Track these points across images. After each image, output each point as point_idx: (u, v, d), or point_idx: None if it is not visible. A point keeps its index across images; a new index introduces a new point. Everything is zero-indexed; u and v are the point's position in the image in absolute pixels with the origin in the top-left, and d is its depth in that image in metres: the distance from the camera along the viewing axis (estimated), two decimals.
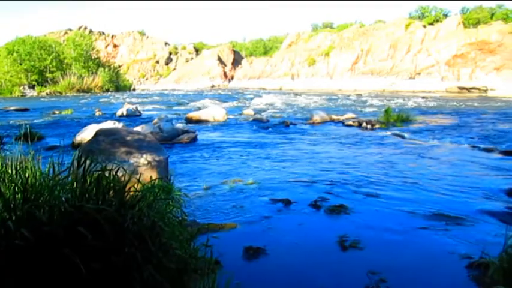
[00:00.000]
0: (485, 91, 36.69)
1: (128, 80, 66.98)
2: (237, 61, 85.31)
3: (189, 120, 16.24)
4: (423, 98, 32.52)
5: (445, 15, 56.42)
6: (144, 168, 5.68)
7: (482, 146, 10.43)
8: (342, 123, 15.33)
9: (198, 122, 16.03)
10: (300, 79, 61.61)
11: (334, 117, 16.57)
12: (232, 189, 6.19)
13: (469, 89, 39.72)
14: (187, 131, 11.85)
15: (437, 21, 54.52)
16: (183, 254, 2.77)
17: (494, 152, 9.55)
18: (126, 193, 2.57)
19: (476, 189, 6.35)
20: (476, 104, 26.45)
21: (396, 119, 15.84)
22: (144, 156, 5.90)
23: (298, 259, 3.89)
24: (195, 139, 11.46)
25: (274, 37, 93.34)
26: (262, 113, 19.70)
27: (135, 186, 2.94)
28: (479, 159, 8.71)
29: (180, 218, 4.05)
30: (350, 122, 15.13)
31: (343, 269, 3.72)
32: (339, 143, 10.96)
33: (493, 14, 55.05)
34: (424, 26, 53.27)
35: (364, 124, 14.51)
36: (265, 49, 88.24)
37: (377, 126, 14.40)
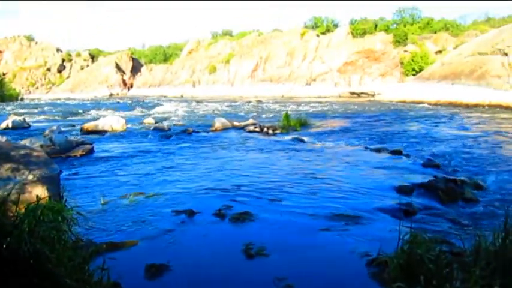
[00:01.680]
0: (373, 95, 39.77)
1: (14, 89, 61.26)
2: (136, 68, 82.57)
3: (84, 131, 15.23)
4: (319, 102, 34.33)
5: (336, 26, 60.24)
6: (31, 186, 5.13)
7: (373, 146, 11.19)
8: (244, 129, 15.49)
9: (95, 132, 15.09)
10: (201, 86, 61.46)
11: (236, 123, 16.69)
12: (133, 203, 5.85)
13: (359, 94, 42.80)
14: (82, 143, 11.07)
15: (328, 31, 58.00)
16: (73, 283, 2.48)
17: (383, 152, 10.28)
18: None
19: (370, 188, 6.75)
20: (365, 108, 28.49)
21: (296, 123, 16.45)
22: (33, 172, 5.33)
23: (204, 272, 3.76)
24: (91, 151, 10.74)
25: (174, 44, 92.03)
26: (164, 122, 19.21)
27: (17, 207, 2.59)
28: (372, 160, 9.31)
29: (74, 240, 3.70)
30: (252, 128, 15.34)
31: (250, 278, 3.67)
32: (242, 150, 11.02)
33: (376, 25, 60.08)
34: (318, 35, 56.33)
35: (265, 129, 14.81)
36: (165, 56, 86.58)
37: (278, 131, 14.79)
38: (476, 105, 26.18)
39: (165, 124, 17.63)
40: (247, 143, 12.12)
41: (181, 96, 56.82)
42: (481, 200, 6.38)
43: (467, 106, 26.38)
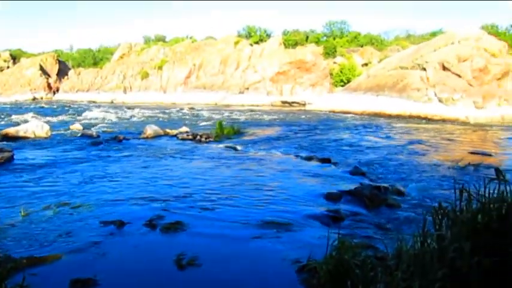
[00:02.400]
0: (304, 105, 40.89)
1: None
2: (63, 72, 78.40)
3: (3, 138, 14.21)
4: (252, 111, 34.73)
5: (269, 36, 61.41)
6: None
7: (304, 155, 11.51)
8: (177, 137, 15.27)
9: (16, 139, 14.13)
10: (133, 92, 59.77)
11: (168, 131, 16.41)
12: (57, 215, 5.55)
13: (290, 103, 43.87)
14: (0, 150, 10.33)
15: (261, 40, 58.96)
16: None
17: (313, 160, 10.61)
18: None
19: (301, 195, 6.93)
20: (297, 117, 29.22)
21: (229, 131, 16.51)
22: None
23: (133, 285, 3.65)
24: (11, 159, 10.05)
25: (105, 48, 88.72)
26: (92, 128, 18.44)
27: None
28: (302, 168, 9.57)
29: None
30: (184, 136, 15.17)
31: None
32: (174, 157, 10.86)
33: (307, 37, 62.11)
34: (251, 45, 57.03)
35: (198, 137, 14.71)
36: (95, 60, 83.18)
37: (211, 139, 14.75)
38: (398, 116, 27.82)
39: (94, 131, 16.93)
40: (179, 151, 11.96)
41: (112, 102, 54.86)
42: (403, 205, 6.79)
43: (390, 116, 27.96)
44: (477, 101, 26.55)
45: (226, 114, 30.78)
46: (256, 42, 58.24)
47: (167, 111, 34.01)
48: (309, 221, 5.55)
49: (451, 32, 33.50)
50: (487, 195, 3.49)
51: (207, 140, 14.55)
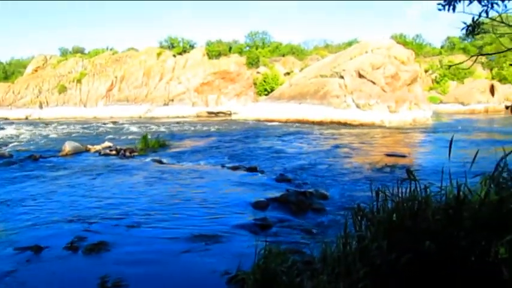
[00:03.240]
0: (230, 114, 41.19)
1: None
2: None
3: None
4: (178, 122, 34.30)
5: (192, 46, 61.23)
6: None
7: (230, 165, 11.56)
8: (99, 152, 14.64)
9: None
10: (50, 107, 56.43)
11: (89, 146, 15.70)
12: None
13: (216, 113, 43.96)
14: None
15: (185, 51, 58.64)
16: None
17: (240, 169, 10.70)
18: None
19: (229, 206, 6.95)
20: (223, 127, 29.32)
21: (154, 144, 16.15)
22: None
23: None
24: None
25: (17, 60, 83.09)
26: (4, 147, 17.14)
27: None
28: (229, 178, 9.60)
29: None
30: (107, 151, 14.59)
31: None
32: (96, 175, 10.38)
33: (230, 48, 62.84)
34: (174, 56, 56.45)
35: (122, 152, 14.22)
36: (6, 74, 77.47)
37: (136, 153, 14.33)
38: (320, 122, 28.94)
39: (6, 150, 15.73)
40: (102, 168, 11.46)
41: (27, 118, 51.37)
42: (327, 209, 7.05)
43: (313, 123, 29.02)
44: (391, 106, 28.40)
45: (152, 126, 30.12)
46: (180, 53, 57.83)
47: (88, 126, 32.55)
48: (237, 231, 5.58)
49: (365, 41, 35.55)
50: (401, 194, 3.72)
51: (132, 154, 14.12)
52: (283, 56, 60.75)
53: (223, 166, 11.43)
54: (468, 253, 3.17)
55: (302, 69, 46.84)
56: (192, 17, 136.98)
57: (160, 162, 12.38)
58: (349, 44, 55.11)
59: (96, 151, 15.04)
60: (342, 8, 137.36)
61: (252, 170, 10.51)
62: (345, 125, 27.58)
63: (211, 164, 12.04)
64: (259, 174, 10.14)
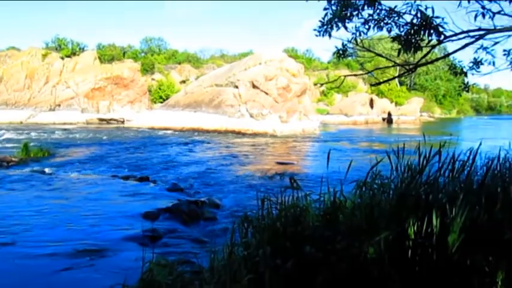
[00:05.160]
0: (123, 122, 39.68)
1: None
2: None
3: None
4: (65, 129, 32.10)
5: (82, 49, 57.87)
6: None
7: (121, 174, 11.16)
8: None
9: None
10: None
11: None
12: None
13: (108, 121, 41.98)
14: None
15: (74, 54, 55.22)
16: None
17: (131, 179, 10.38)
18: None
19: (117, 217, 6.71)
20: (115, 135, 28.12)
21: (37, 153, 14.92)
22: None
23: None
24: None
25: None
26: None
27: None
28: (119, 188, 9.26)
29: None
30: None
31: None
32: None
33: (124, 53, 60.69)
34: (62, 58, 52.86)
35: None
36: None
37: (14, 163, 13.12)
38: (215, 131, 29.21)
39: None
40: None
41: None
42: (218, 217, 7.17)
43: (208, 132, 29.19)
44: (282, 116, 29.75)
45: (35, 133, 27.75)
46: (68, 56, 54.35)
47: None
48: (125, 243, 5.42)
49: (258, 53, 36.76)
50: (284, 202, 3.93)
51: (10, 164, 12.90)
52: (180, 63, 60.34)
53: (113, 176, 10.99)
54: (343, 255, 3.44)
55: (198, 77, 46.94)
56: (82, 17, 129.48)
57: (43, 172, 11.49)
58: (244, 54, 56.64)
59: None
60: (239, 18, 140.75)
61: (144, 179, 10.27)
62: (239, 134, 28.20)
63: (100, 174, 11.49)
64: (151, 184, 9.94)
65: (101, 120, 42.48)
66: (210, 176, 11.48)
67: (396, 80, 61.71)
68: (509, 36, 4.01)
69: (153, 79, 50.45)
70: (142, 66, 51.87)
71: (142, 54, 62.04)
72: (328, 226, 3.74)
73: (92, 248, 5.16)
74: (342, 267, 3.29)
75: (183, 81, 51.22)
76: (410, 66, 4.73)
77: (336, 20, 3.95)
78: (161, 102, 43.54)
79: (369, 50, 4.26)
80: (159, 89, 47.87)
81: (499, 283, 2.71)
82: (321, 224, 3.81)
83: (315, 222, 3.83)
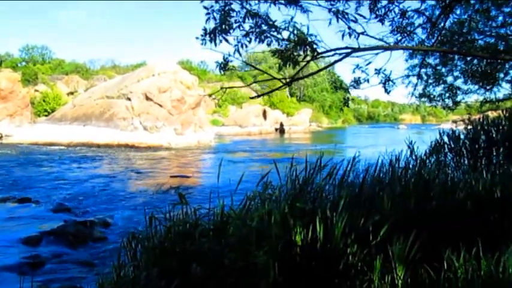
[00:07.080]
0: (1, 138, 36.10)
1: None
2: None
3: None
4: None
5: None
6: None
7: None
8: None
9: None
10: None
11: None
12: None
13: None
14: None
15: None
16: None
17: (10, 201, 9.54)
18: None
19: None
20: None
21: None
22: None
23: None
24: None
25: None
26: None
27: None
28: None
29: None
30: None
31: None
32: None
33: (2, 61, 55.33)
34: None
35: None
36: None
37: None
38: (107, 145, 27.92)
39: None
40: None
41: None
42: (109, 237, 6.93)
43: (99, 146, 27.80)
44: (177, 128, 29.53)
45: None
46: None
47: None
48: (1, 274, 4.99)
49: (151, 65, 36.10)
50: (173, 218, 3.93)
51: None
52: (67, 74, 56.69)
53: None
54: (232, 268, 3.52)
55: (87, 89, 44.53)
56: None
57: None
58: (137, 65, 55.08)
59: None
60: (131, 28, 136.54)
61: (25, 200, 9.50)
62: (133, 147, 27.35)
63: None
64: (33, 205, 9.24)
65: None
66: (100, 193, 11.00)
67: (287, 91, 64.91)
68: (376, 54, 4.51)
69: (36, 90, 46.66)
70: (23, 77, 47.71)
71: (23, 64, 57.16)
72: (217, 240, 3.83)
73: None
74: (229, 281, 3.38)
75: (71, 93, 48.20)
76: (287, 80, 5.07)
77: (218, 30, 4.00)
78: (46, 116, 40.45)
79: (249, 64, 4.49)
80: (44, 101, 44.36)
81: (376, 281, 3.02)
82: (208, 239, 3.88)
83: (202, 238, 3.88)
